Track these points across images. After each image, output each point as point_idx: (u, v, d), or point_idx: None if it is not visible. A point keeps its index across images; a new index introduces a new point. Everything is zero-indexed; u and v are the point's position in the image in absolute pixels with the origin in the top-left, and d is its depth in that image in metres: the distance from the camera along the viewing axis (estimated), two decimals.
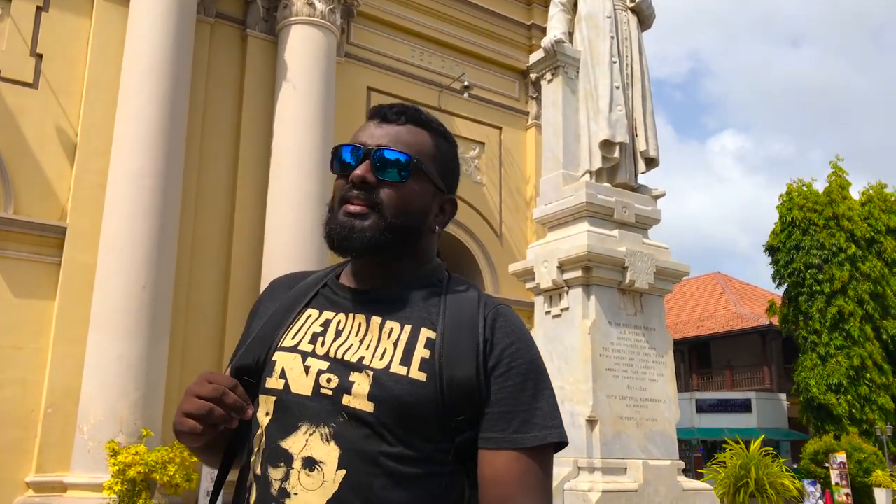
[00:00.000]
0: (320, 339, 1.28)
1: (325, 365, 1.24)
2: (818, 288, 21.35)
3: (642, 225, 6.20)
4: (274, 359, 1.28)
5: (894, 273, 21.73)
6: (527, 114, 14.61)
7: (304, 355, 1.26)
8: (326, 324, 1.30)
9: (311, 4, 11.40)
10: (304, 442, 1.20)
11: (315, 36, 11.39)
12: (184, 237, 10.31)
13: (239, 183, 11.20)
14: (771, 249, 22.91)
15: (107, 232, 9.57)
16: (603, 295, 5.76)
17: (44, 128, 10.04)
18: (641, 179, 6.42)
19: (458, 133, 13.84)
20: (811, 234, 21.79)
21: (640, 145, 6.23)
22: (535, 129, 14.06)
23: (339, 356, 1.25)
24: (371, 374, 1.22)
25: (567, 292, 5.82)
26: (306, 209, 10.75)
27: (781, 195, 23.00)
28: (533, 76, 6.96)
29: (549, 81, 6.22)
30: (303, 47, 11.32)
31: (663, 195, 6.35)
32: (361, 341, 1.26)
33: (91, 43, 10.42)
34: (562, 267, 5.76)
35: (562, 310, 5.83)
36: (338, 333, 1.28)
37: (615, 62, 6.10)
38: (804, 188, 22.68)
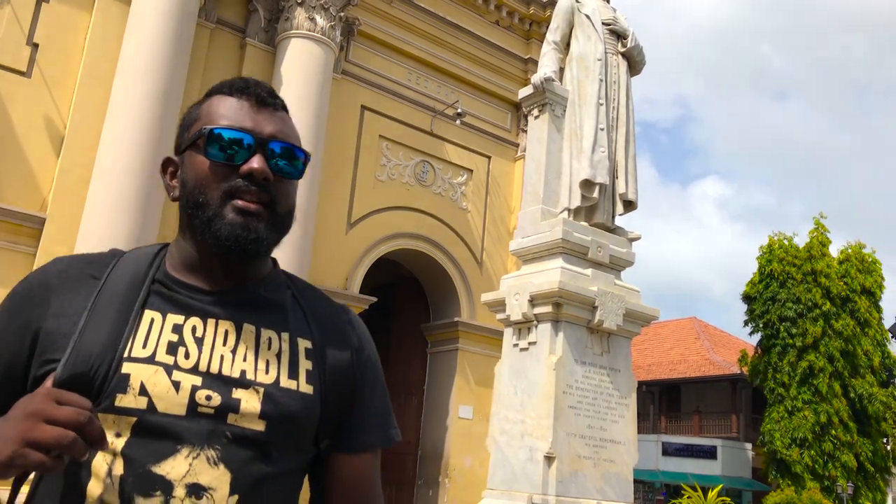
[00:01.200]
0: (181, 349, 1.13)
1: (198, 380, 1.11)
2: (790, 341, 21.55)
3: (616, 266, 6.28)
4: (125, 372, 1.09)
5: (866, 333, 21.99)
6: (516, 145, 14.75)
7: (168, 368, 1.11)
8: (178, 330, 1.15)
9: (313, 19, 11.51)
10: (188, 467, 1.07)
11: (314, 50, 11.49)
12: (164, 237, 10.29)
13: None
14: (747, 298, 23.14)
15: (86, 227, 9.54)
16: (571, 332, 5.81)
17: (33, 117, 10.03)
18: (619, 221, 6.52)
19: (448, 159, 13.95)
20: (788, 287, 22.04)
21: (620, 188, 6.34)
22: (523, 161, 14.17)
23: (213, 370, 1.12)
24: (261, 390, 1.14)
25: (536, 326, 5.88)
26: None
27: (762, 247, 23.29)
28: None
29: (536, 117, 6.33)
30: (300, 61, 11.40)
31: (639, 238, 6.44)
32: (234, 352, 1.15)
33: (89, 36, 10.45)
34: (533, 301, 5.82)
35: (529, 343, 5.88)
36: (198, 342, 1.14)
37: (602, 104, 6.22)
38: (785, 241, 22.99)
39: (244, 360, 1.15)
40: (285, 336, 1.21)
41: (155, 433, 1.07)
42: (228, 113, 1.19)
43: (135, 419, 1.07)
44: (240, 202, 1.15)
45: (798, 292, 21.76)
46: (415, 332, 14.39)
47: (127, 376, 1.08)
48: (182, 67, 10.37)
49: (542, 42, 14.51)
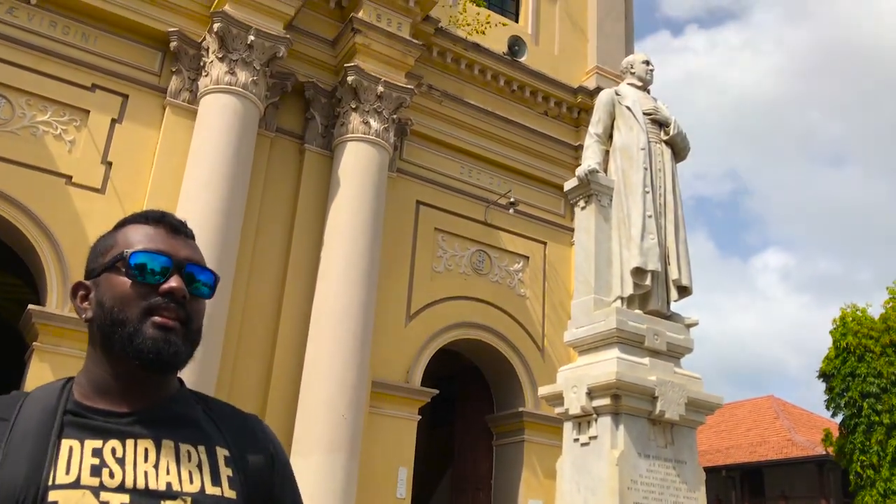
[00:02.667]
0: (105, 470, 1.18)
1: (126, 498, 1.16)
2: (876, 418, 20.42)
3: (674, 354, 6.16)
4: (52, 500, 1.13)
5: None
6: (571, 230, 14.77)
7: (95, 490, 1.15)
8: (98, 453, 1.20)
9: (367, 123, 11.98)
10: None
11: (369, 152, 11.90)
12: (228, 344, 10.54)
13: (286, 291, 11.50)
14: (825, 376, 22.14)
15: None
16: (632, 425, 5.68)
17: (106, 231, 10.56)
18: (674, 307, 6.43)
19: (504, 247, 14.07)
20: (867, 360, 21.04)
21: (673, 274, 6.29)
22: None
23: (140, 486, 1.18)
24: (188, 499, 1.20)
25: (596, 420, 5.77)
26: (349, 317, 10.94)
27: (835, 320, 22.39)
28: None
29: (583, 208, 6.40)
30: (357, 163, 11.82)
31: (696, 324, 6.32)
32: (156, 467, 1.21)
33: (157, 152, 11.08)
34: (591, 393, 5.73)
35: (590, 438, 5.76)
36: (120, 462, 1.20)
37: (648, 192, 6.26)
38: (858, 313, 22.09)
39: (167, 472, 1.22)
40: (203, 448, 1.28)
41: None
42: (145, 239, 1.33)
43: None
44: (159, 318, 1.25)
45: (879, 366, 20.74)
46: (479, 423, 14.20)
47: (55, 503, 1.13)
48: (244, 175, 10.86)
49: None
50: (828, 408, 21.94)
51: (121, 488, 1.17)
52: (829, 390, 21.79)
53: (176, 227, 1.38)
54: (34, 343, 9.88)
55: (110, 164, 10.87)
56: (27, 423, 1.21)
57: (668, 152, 6.58)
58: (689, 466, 5.91)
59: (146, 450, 1.23)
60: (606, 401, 5.67)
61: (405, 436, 12.11)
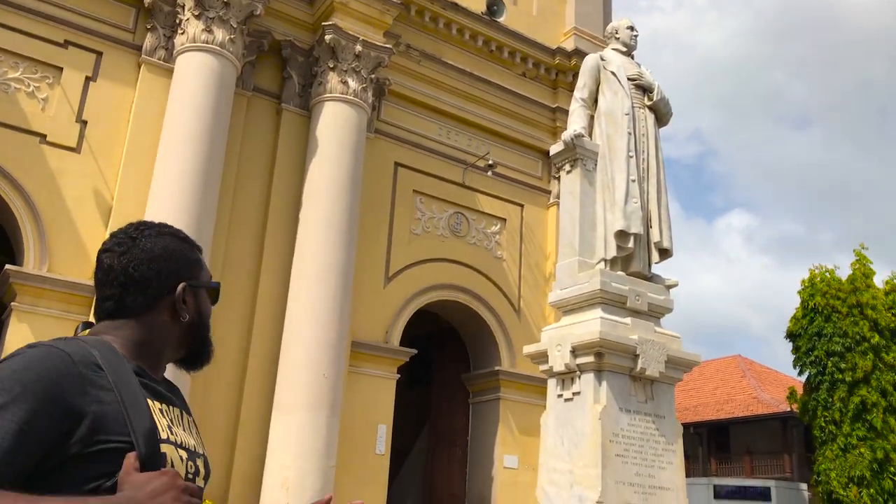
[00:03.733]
0: (171, 429, 1.47)
1: (185, 454, 1.47)
2: (840, 376, 21.06)
3: (655, 313, 6.34)
4: (163, 451, 1.41)
5: None
6: (548, 192, 14.92)
7: (175, 446, 1.45)
8: (163, 413, 1.48)
9: (345, 83, 11.90)
10: None
11: (347, 112, 11.85)
12: None
13: (266, 251, 11.51)
14: (792, 335, 22.72)
15: None
16: (614, 381, 5.87)
17: (82, 190, 10.47)
18: (655, 269, 6.60)
19: (481, 209, 14.16)
20: (834, 321, 21.62)
21: (655, 236, 6.44)
22: (556, 208, 14.32)
23: (185, 445, 1.49)
24: (202, 459, 1.55)
25: (579, 377, 5.94)
26: (329, 278, 11.00)
27: (804, 280, 22.92)
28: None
29: (568, 172, 6.49)
30: (335, 123, 11.77)
31: (676, 285, 6.50)
32: (185, 430, 1.54)
33: (133, 111, 10.93)
34: (575, 351, 5.90)
35: (573, 393, 5.94)
36: (171, 424, 1.49)
37: (632, 156, 6.37)
38: (826, 274, 22.63)
39: (188, 436, 1.54)
40: (190, 416, 1.63)
41: None
42: (207, 269, 1.68)
43: None
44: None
45: (844, 326, 21.32)
46: (456, 382, 14.43)
47: (164, 455, 1.40)
48: (221, 136, 10.77)
49: (570, 90, 14.82)
50: (794, 366, 22.57)
51: (180, 445, 1.46)
52: (796, 349, 22.39)
53: None
54: (12, 303, 9.81)
55: (85, 122, 10.71)
56: (121, 376, 1.39)
57: (651, 117, 6.69)
58: (667, 420, 6.13)
59: (179, 414, 1.54)
60: (590, 358, 5.84)
61: (384, 394, 12.29)
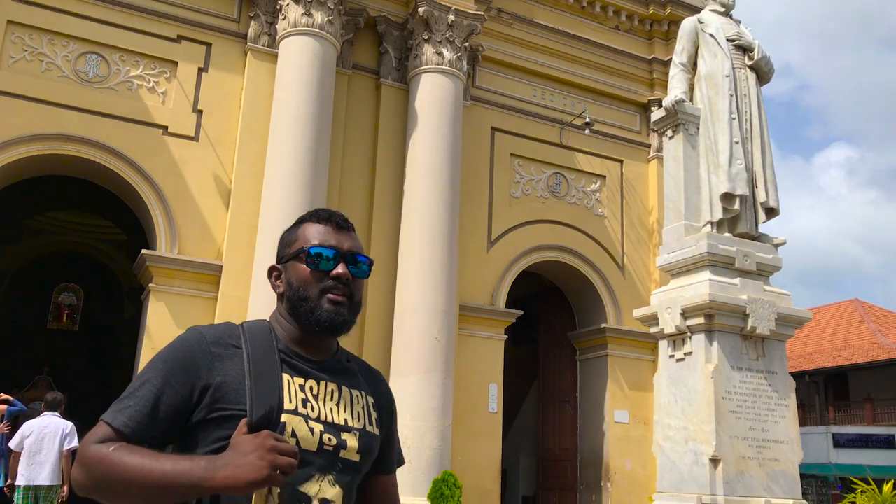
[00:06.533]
0: (309, 404, 1.59)
1: (322, 427, 1.59)
2: None
3: (763, 273, 6.39)
4: (283, 420, 1.53)
5: None
6: (648, 146, 14.76)
7: (306, 418, 1.57)
8: (302, 389, 1.60)
9: (440, 54, 12.13)
10: (319, 487, 1.56)
11: (443, 83, 12.10)
12: None
13: (374, 223, 12.00)
14: None
15: (258, 269, 10.53)
16: (725, 341, 6.00)
17: (203, 176, 11.20)
18: (761, 228, 6.62)
19: (580, 167, 14.20)
20: None
21: (761, 196, 6.45)
22: (656, 161, 14.19)
23: (329, 419, 1.61)
24: (357, 433, 1.65)
25: (690, 338, 6.10)
26: (436, 246, 11.41)
27: None
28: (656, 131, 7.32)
29: (671, 137, 6.56)
30: (432, 95, 12.04)
31: (784, 243, 6.51)
32: (338, 405, 1.64)
33: (243, 97, 11.53)
34: (685, 314, 6.05)
35: (685, 354, 6.11)
36: (315, 398, 1.61)
37: (734, 118, 6.37)
38: None
39: (344, 411, 1.66)
40: (362, 394, 1.73)
41: (300, 464, 1.48)
42: (318, 235, 1.70)
43: None
44: (331, 295, 1.64)
45: None
46: (562, 341, 14.68)
47: (284, 424, 1.53)
48: (326, 114, 11.25)
49: (665, 40, 14.54)
50: None
51: (318, 419, 1.59)
52: None
53: (340, 224, 1.74)
54: (150, 284, 10.70)
55: (201, 112, 11.39)
56: (258, 354, 1.60)
57: (752, 77, 6.64)
58: (779, 376, 6.22)
59: (332, 391, 1.65)
60: (700, 320, 5.99)
61: (493, 354, 12.70)
